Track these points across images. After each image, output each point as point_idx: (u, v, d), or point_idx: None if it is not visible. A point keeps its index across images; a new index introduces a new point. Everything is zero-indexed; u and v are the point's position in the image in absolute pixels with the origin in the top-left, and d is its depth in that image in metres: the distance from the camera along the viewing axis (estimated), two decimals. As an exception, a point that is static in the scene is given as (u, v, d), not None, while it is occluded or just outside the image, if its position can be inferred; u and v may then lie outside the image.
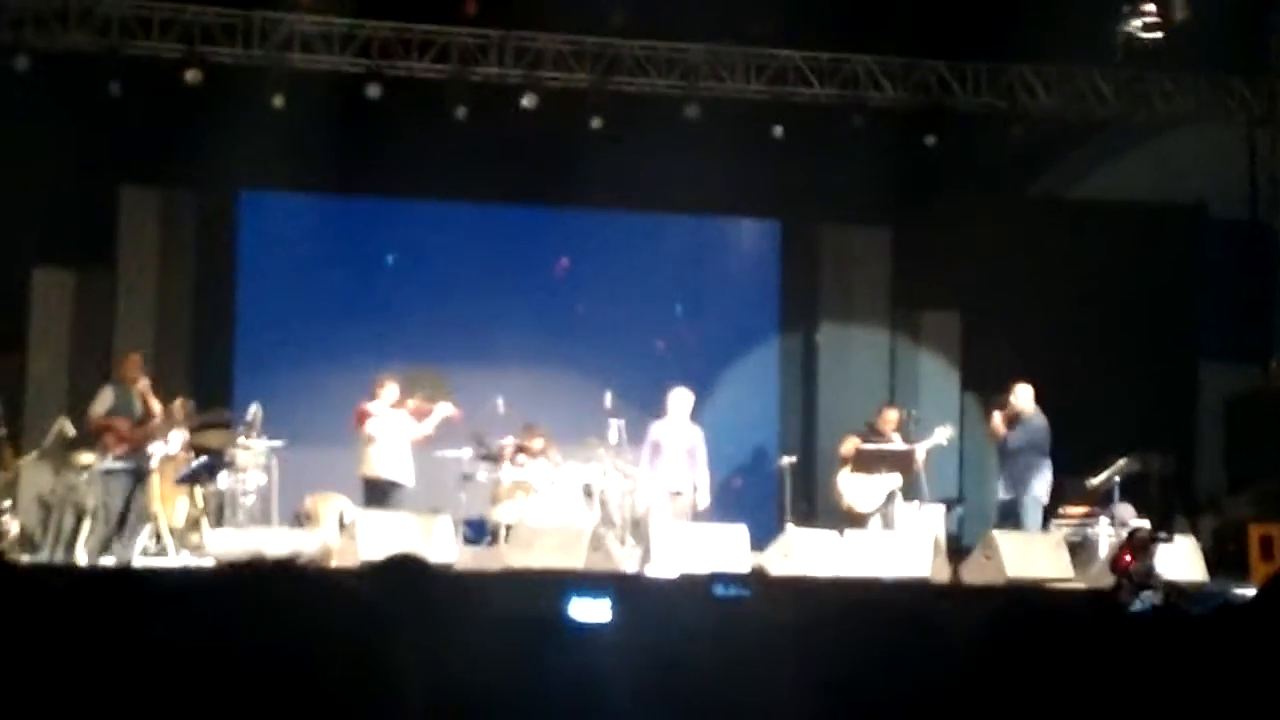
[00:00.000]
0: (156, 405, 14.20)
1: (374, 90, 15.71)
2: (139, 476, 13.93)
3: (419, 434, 14.58)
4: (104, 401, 14.10)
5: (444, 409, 14.64)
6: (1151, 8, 11.81)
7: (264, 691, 1.95)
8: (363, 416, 14.42)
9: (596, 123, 16.25)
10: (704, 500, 14.67)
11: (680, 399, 14.71)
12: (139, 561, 13.02)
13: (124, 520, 13.83)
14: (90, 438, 14.07)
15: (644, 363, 16.40)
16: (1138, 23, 11.62)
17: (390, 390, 14.53)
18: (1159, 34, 11.96)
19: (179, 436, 14.12)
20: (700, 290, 17.63)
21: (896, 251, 18.00)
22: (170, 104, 15.48)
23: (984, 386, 17.05)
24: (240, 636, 2.02)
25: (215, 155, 15.39)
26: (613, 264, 17.57)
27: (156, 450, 13.77)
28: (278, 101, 15.40)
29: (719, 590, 9.66)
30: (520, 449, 15.16)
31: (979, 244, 17.26)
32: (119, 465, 13.85)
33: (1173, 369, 16.77)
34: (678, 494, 14.51)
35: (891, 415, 15.52)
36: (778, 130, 16.37)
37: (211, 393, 15.87)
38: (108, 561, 13.12)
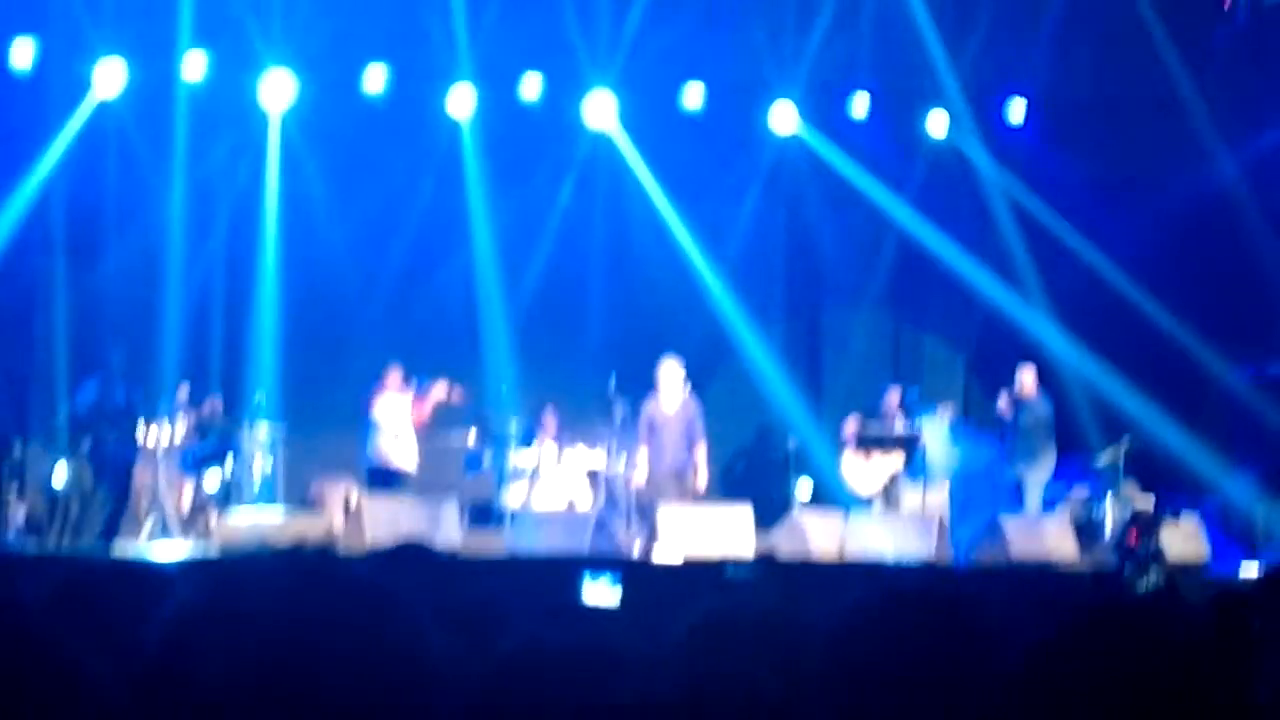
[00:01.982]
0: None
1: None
2: (129, 464, 13.90)
3: (420, 418, 14.60)
4: (89, 393, 14.01)
5: (440, 389, 14.64)
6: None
7: (271, 676, 1.98)
8: (371, 402, 14.46)
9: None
10: (703, 481, 14.53)
11: (670, 372, 14.43)
12: (145, 547, 13.04)
13: (122, 506, 13.84)
14: (82, 427, 14.03)
15: (648, 346, 16.37)
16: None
17: (395, 376, 14.55)
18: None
19: (183, 423, 14.12)
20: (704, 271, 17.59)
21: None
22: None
23: (987, 369, 17.06)
24: (250, 620, 2.05)
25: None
26: (618, 249, 17.55)
27: (156, 436, 13.73)
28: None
29: (729, 574, 9.70)
30: (540, 427, 15.21)
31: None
32: (110, 454, 13.78)
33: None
34: (677, 475, 14.36)
35: (895, 397, 15.52)
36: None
37: (216, 379, 15.85)
38: (118, 545, 13.14)
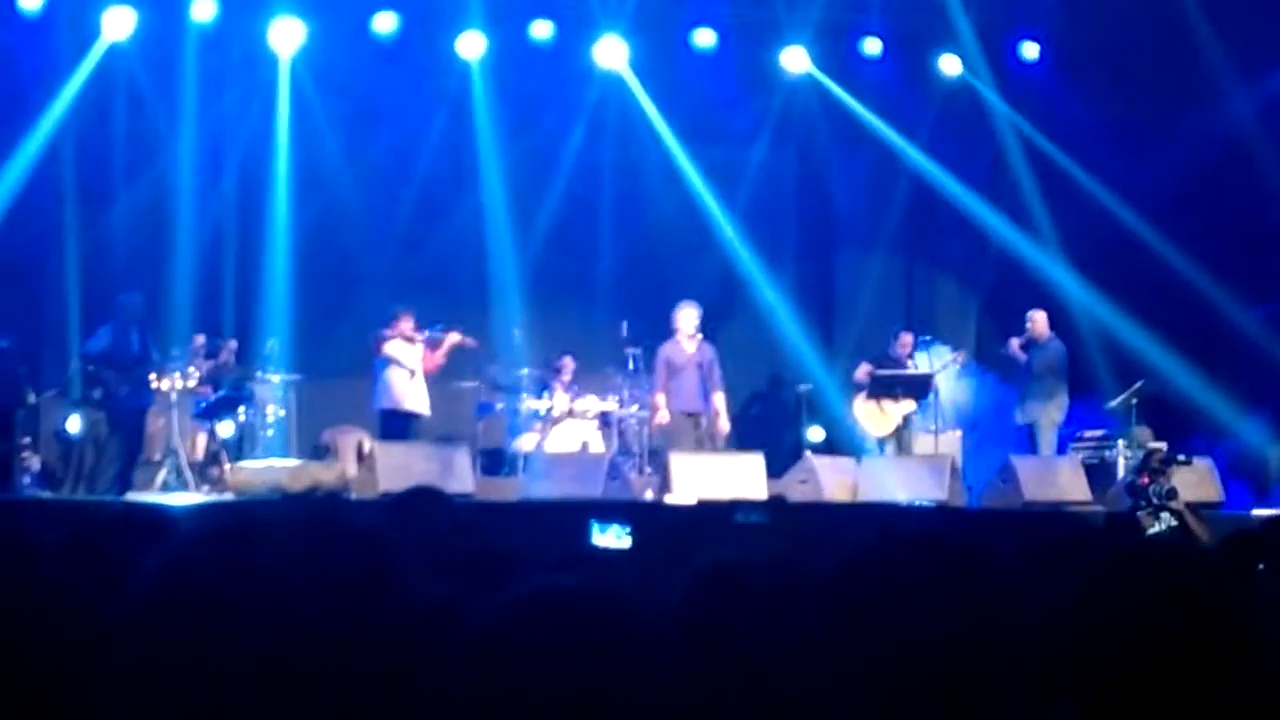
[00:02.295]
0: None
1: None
2: (142, 413, 13.89)
3: (433, 364, 14.60)
4: (101, 340, 13.94)
5: (455, 337, 14.64)
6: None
7: (283, 621, 1.99)
8: (381, 342, 14.43)
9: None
10: (725, 424, 14.44)
11: (687, 315, 14.34)
12: (159, 495, 13.08)
13: (135, 455, 13.84)
14: (95, 375, 14.00)
15: (660, 292, 16.35)
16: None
17: (407, 322, 14.52)
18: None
19: (196, 371, 14.11)
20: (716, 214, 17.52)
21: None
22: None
23: (1001, 312, 17.01)
24: (255, 564, 2.07)
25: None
26: (630, 193, 17.51)
27: (170, 385, 13.70)
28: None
29: (739, 518, 9.72)
30: (556, 373, 15.23)
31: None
32: (123, 403, 13.75)
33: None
34: (695, 416, 14.30)
35: (908, 340, 15.49)
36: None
37: (228, 327, 15.86)
38: (132, 494, 13.18)
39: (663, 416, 14.28)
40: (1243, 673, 2.12)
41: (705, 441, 14.25)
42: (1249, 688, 2.07)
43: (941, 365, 15.30)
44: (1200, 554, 2.78)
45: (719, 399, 14.36)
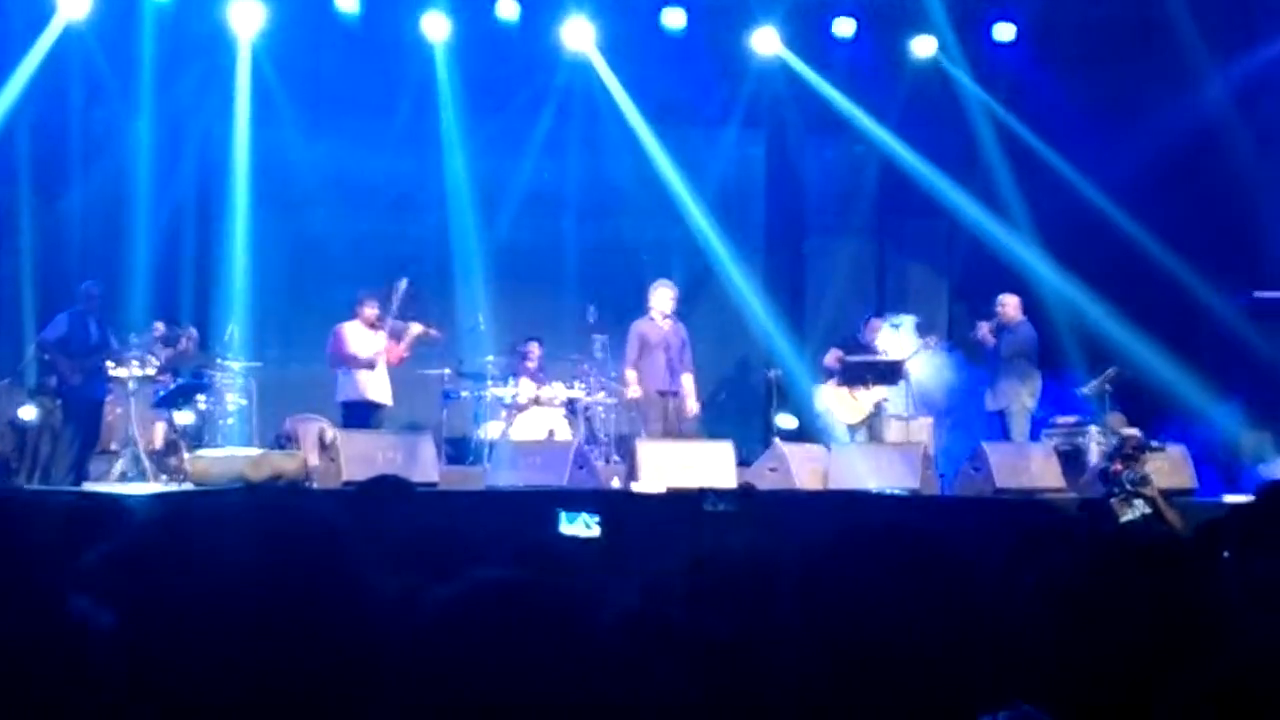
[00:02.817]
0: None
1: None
2: (99, 402, 13.66)
3: (397, 355, 14.37)
4: (58, 328, 13.68)
5: (417, 328, 14.40)
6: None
7: (243, 610, 1.91)
8: (339, 343, 14.19)
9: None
10: (694, 404, 14.40)
11: (663, 294, 14.30)
12: (117, 486, 12.86)
13: (93, 444, 13.62)
14: (47, 364, 13.78)
15: (628, 277, 16.19)
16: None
17: (370, 309, 14.30)
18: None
19: (154, 360, 13.91)
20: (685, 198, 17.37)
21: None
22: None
23: (973, 297, 16.92)
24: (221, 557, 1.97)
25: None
26: (597, 177, 17.37)
27: (128, 374, 13.51)
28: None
29: (708, 506, 9.56)
30: (523, 359, 15.08)
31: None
32: (78, 391, 13.51)
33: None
34: (667, 394, 14.19)
35: (878, 326, 15.37)
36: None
37: (187, 314, 15.64)
38: (88, 486, 12.95)
39: (634, 391, 14.25)
40: (1211, 663, 2.04)
41: (673, 421, 14.14)
42: (1218, 678, 1.99)
43: (912, 351, 15.18)
44: (1170, 543, 2.70)
45: (688, 380, 14.32)
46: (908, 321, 15.82)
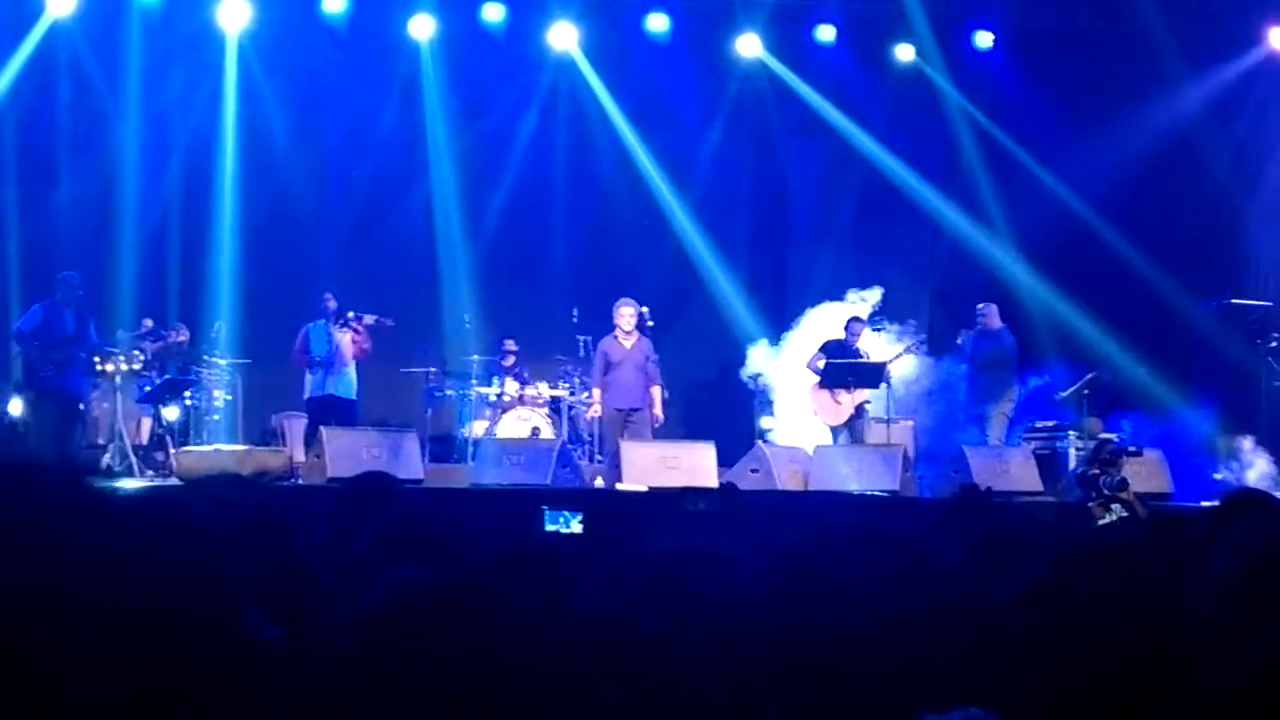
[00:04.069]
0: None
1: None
2: (74, 394, 13.41)
3: (359, 349, 14.28)
4: (33, 318, 13.46)
5: (369, 319, 14.31)
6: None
7: (227, 604, 1.97)
8: (300, 346, 14.18)
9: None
10: (659, 414, 14.41)
11: (625, 313, 14.30)
12: (103, 480, 12.87)
13: (65, 438, 13.33)
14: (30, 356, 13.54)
15: (613, 278, 16.28)
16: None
17: (330, 305, 14.26)
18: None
19: (140, 355, 13.89)
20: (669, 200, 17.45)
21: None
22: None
23: (954, 301, 17.03)
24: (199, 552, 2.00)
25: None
26: (582, 179, 17.43)
27: (114, 369, 13.44)
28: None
29: (688, 506, 9.66)
30: (502, 360, 15.13)
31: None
32: (49, 383, 13.27)
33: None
34: (631, 411, 14.24)
35: (860, 329, 15.46)
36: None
37: (173, 310, 15.67)
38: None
39: (594, 410, 14.47)
40: (1175, 667, 2.10)
41: (641, 433, 14.17)
42: (1183, 684, 2.06)
43: (894, 355, 15.29)
44: (1133, 548, 2.78)
45: (655, 391, 14.36)
46: (890, 336, 15.91)
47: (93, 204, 15.84)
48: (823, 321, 15.90)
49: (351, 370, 14.29)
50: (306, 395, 14.26)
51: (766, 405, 15.85)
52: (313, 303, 14.86)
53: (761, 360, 15.82)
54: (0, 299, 15.37)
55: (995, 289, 16.09)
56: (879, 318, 15.97)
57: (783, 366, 15.86)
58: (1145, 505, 12.15)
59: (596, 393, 14.37)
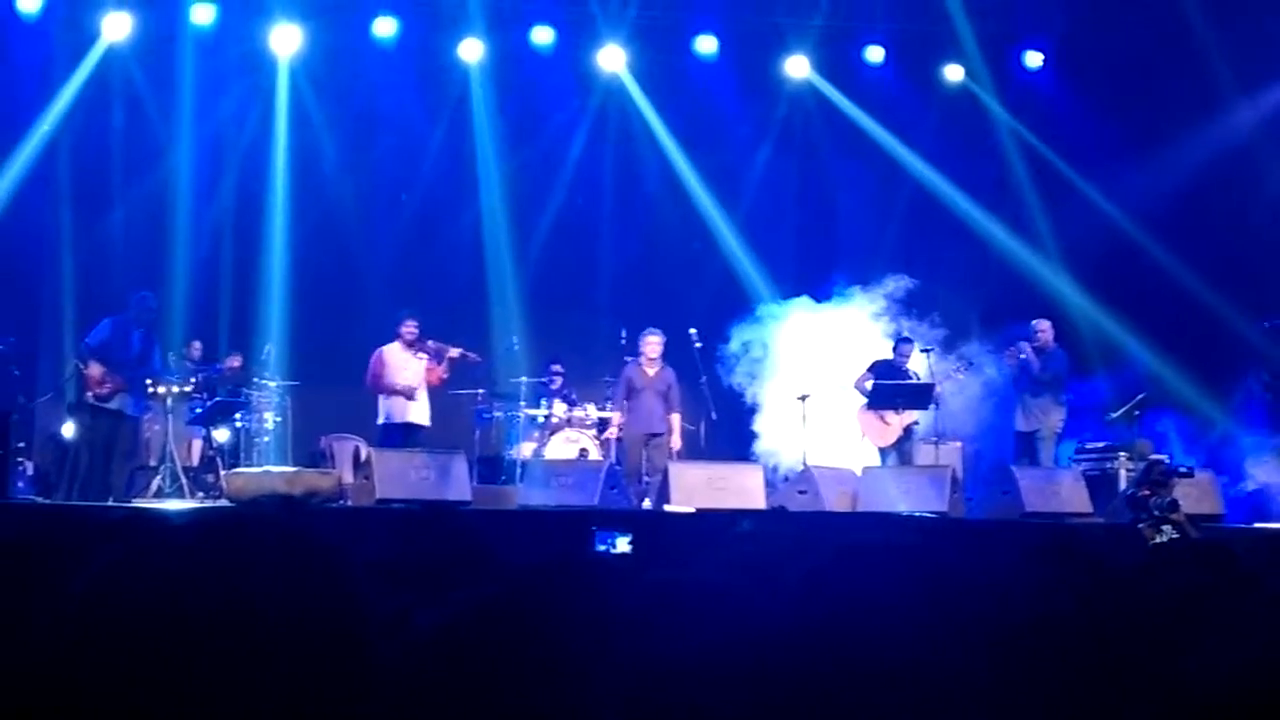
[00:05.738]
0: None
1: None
2: (129, 418, 13.24)
3: (436, 376, 14.38)
4: (100, 333, 13.31)
5: (454, 352, 14.41)
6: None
7: (272, 630, 1.91)
8: (379, 368, 14.21)
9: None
10: (676, 442, 14.67)
11: (649, 342, 14.65)
12: (154, 502, 12.98)
13: (109, 462, 13.14)
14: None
15: (660, 299, 16.31)
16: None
17: (409, 328, 14.32)
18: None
19: (192, 378, 13.98)
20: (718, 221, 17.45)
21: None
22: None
23: (1003, 322, 16.94)
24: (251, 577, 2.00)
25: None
26: (630, 200, 17.47)
27: (166, 390, 13.45)
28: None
29: (739, 528, 9.66)
30: (550, 381, 15.21)
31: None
32: (104, 405, 13.09)
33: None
34: (652, 436, 14.52)
35: (910, 350, 15.41)
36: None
37: (224, 333, 15.80)
38: (126, 500, 13.04)
39: (611, 432, 14.88)
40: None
41: (662, 459, 14.31)
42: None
43: (943, 376, 15.23)
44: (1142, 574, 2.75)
45: (675, 419, 14.70)
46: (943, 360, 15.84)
47: (146, 227, 16.00)
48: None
49: (426, 398, 14.35)
50: (382, 421, 14.25)
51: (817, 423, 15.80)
52: (360, 324, 14.96)
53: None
54: (55, 321, 15.53)
55: (1045, 308, 15.99)
56: (930, 348, 15.80)
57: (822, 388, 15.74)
58: (1196, 526, 12.04)
59: (616, 416, 14.68)
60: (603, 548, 7.86)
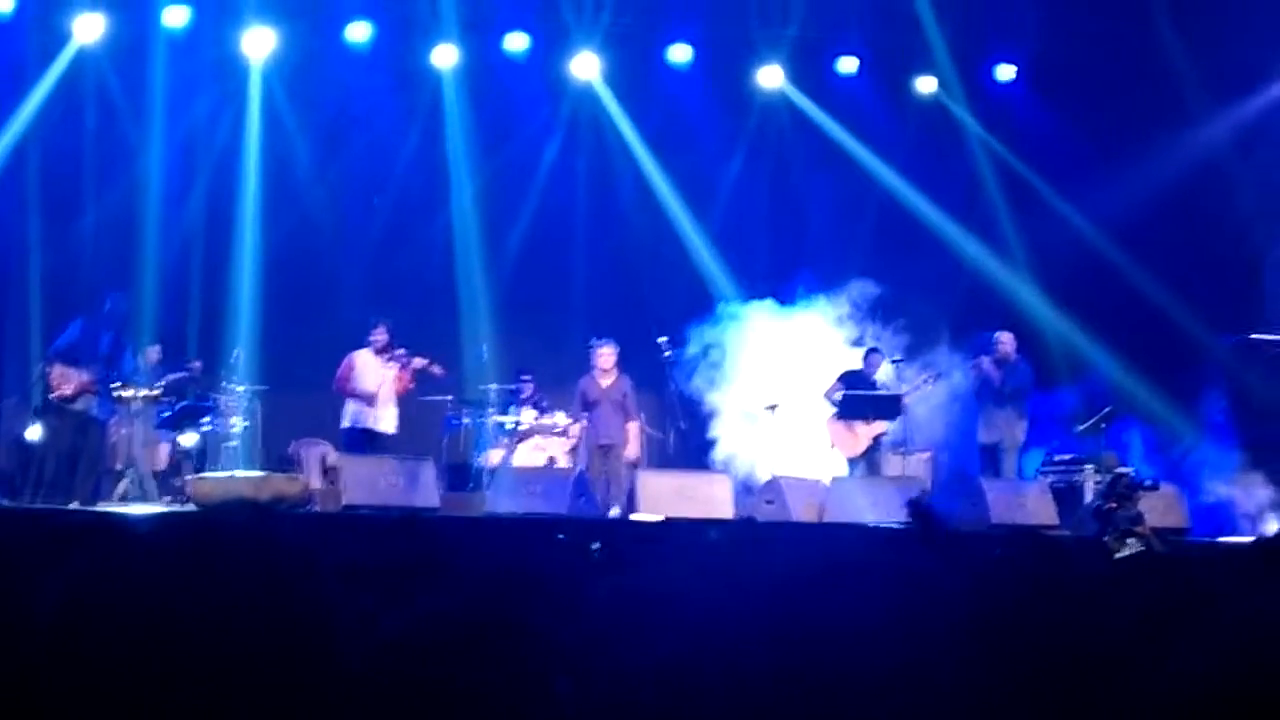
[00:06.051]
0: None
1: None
2: (106, 422, 13.23)
3: (402, 386, 14.35)
4: (70, 334, 13.22)
5: (420, 362, 14.36)
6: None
7: (239, 633, 1.95)
8: (347, 373, 14.20)
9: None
10: (634, 451, 14.70)
11: (602, 353, 14.71)
12: (120, 506, 12.90)
13: (75, 466, 13.00)
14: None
15: (632, 307, 16.31)
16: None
17: (380, 335, 14.31)
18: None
19: (158, 381, 13.90)
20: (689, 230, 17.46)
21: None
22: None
23: (972, 333, 17.00)
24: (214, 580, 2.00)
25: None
26: (602, 208, 17.47)
27: (132, 394, 13.38)
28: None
29: (706, 537, 9.65)
30: (520, 389, 15.19)
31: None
32: (69, 407, 12.99)
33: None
34: (607, 447, 14.52)
35: (878, 361, 15.46)
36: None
37: (193, 337, 15.73)
38: (91, 503, 12.95)
39: (568, 444, 14.84)
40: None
41: (619, 468, 14.45)
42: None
43: (911, 387, 15.27)
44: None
45: (632, 427, 14.74)
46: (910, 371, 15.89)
47: (116, 229, 15.90)
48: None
49: (394, 406, 14.31)
50: (345, 425, 14.24)
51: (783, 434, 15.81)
52: (330, 329, 14.92)
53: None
54: (22, 326, 15.42)
55: (1014, 320, 16.06)
56: (900, 359, 15.83)
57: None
58: (1162, 540, 12.09)
59: (575, 428, 14.69)
60: (596, 546, 7.85)
